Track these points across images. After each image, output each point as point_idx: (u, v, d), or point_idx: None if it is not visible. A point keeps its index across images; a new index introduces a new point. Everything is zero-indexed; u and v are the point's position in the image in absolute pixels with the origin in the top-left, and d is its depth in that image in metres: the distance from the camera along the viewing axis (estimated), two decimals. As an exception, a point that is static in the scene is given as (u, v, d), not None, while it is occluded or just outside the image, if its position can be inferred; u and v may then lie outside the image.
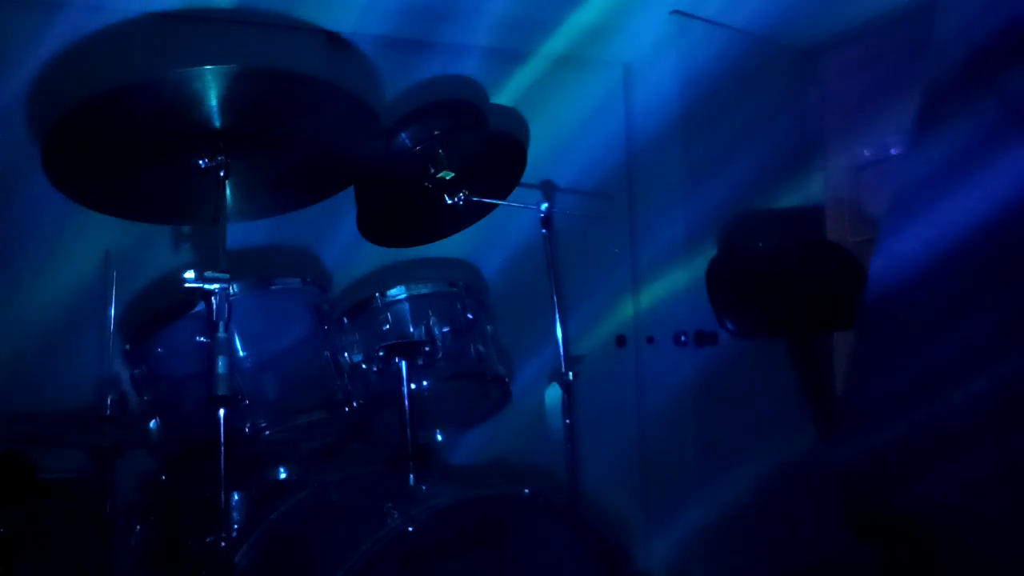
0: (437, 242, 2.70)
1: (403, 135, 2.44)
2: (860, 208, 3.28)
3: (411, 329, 2.16)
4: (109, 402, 2.12)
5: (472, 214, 2.53)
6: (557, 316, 2.44)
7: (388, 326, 2.15)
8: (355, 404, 2.04)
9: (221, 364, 1.68)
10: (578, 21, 3.04)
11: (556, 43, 3.12)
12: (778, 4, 3.06)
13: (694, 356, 2.97)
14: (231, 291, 1.74)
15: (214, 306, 1.71)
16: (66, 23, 2.49)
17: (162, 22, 2.60)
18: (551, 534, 1.85)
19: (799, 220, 3.38)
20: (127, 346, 2.07)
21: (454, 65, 3.05)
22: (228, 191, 1.96)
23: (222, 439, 1.65)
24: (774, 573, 2.98)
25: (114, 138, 1.82)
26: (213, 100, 1.76)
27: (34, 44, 2.46)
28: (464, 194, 2.41)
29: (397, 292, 2.19)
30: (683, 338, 2.98)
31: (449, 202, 2.42)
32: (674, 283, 3.02)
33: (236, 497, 2.09)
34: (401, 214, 2.55)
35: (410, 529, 1.66)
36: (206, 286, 1.70)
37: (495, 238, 2.82)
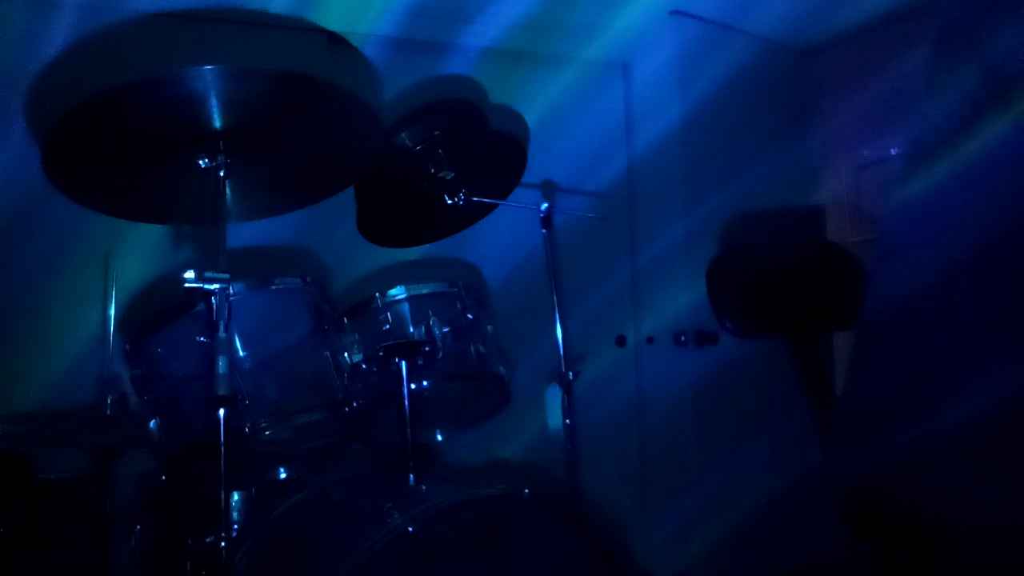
0: (437, 242, 2.70)
1: (403, 135, 2.45)
2: (860, 208, 3.28)
3: (411, 329, 2.16)
4: (109, 402, 2.12)
5: (472, 214, 2.53)
6: (557, 316, 2.44)
7: (388, 326, 2.15)
8: (355, 404, 2.04)
9: (221, 364, 1.68)
10: (578, 21, 3.04)
11: (556, 43, 3.12)
12: (778, 4, 3.06)
13: (694, 356, 2.97)
14: (231, 291, 1.74)
15: (214, 306, 1.71)
16: (66, 23, 2.49)
17: (162, 22, 2.60)
18: (551, 534, 1.85)
19: (799, 220, 3.38)
20: (127, 346, 2.07)
21: (454, 65, 3.05)
22: (228, 191, 1.96)
23: (222, 439, 1.65)
24: (774, 573, 2.98)
25: (114, 138, 1.82)
26: (213, 100, 1.76)
27: (34, 44, 2.46)
28: (464, 194, 2.41)
29: (397, 292, 2.19)
30: (683, 338, 2.98)
31: (449, 202, 2.42)
32: (674, 283, 3.02)
33: (236, 497, 2.09)
34: (401, 214, 2.55)
35: (410, 529, 1.66)
36: (206, 286, 1.70)
37: (495, 238, 2.82)
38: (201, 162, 1.87)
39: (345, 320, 2.19)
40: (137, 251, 2.44)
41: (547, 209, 2.46)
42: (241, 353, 1.93)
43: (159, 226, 2.50)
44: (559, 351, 2.42)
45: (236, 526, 2.04)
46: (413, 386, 2.03)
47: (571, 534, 1.87)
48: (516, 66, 3.12)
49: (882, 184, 3.17)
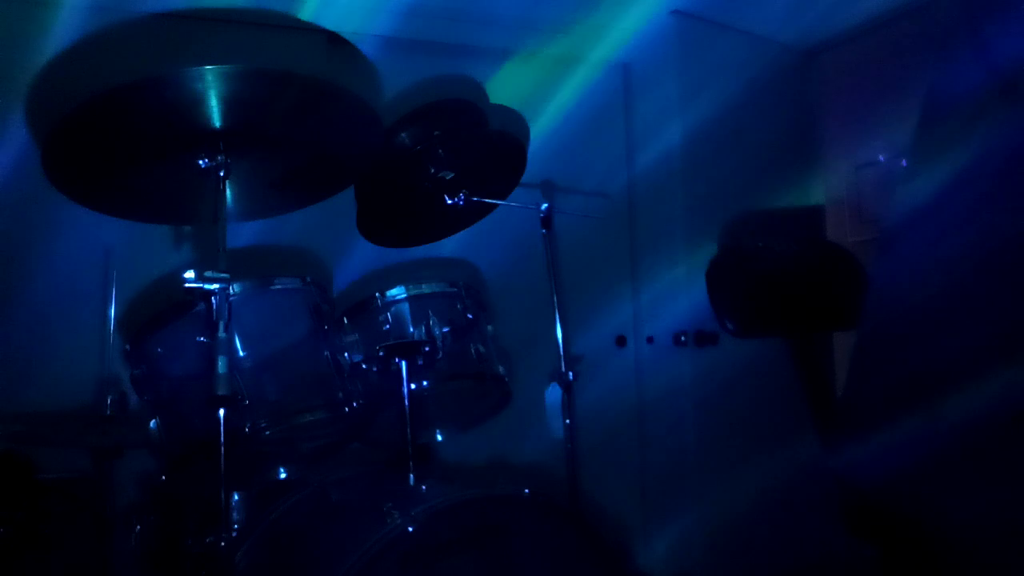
0: (437, 242, 2.70)
1: (403, 135, 2.45)
2: (860, 208, 3.28)
3: (411, 329, 2.16)
4: (109, 402, 2.12)
5: (472, 214, 2.53)
6: (557, 316, 2.44)
7: (388, 326, 2.15)
8: (355, 404, 2.04)
9: (221, 364, 1.68)
10: (578, 21, 3.04)
11: (556, 43, 3.12)
12: (778, 4, 3.06)
13: (694, 356, 2.97)
14: (231, 291, 1.75)
15: (214, 306, 1.71)
16: (66, 23, 2.49)
17: (162, 22, 2.60)
18: (551, 534, 1.85)
19: (799, 220, 3.38)
20: (127, 346, 2.07)
21: (454, 65, 3.05)
22: (228, 191, 1.96)
23: (222, 439, 1.65)
24: (774, 573, 2.98)
25: (114, 138, 1.82)
26: (213, 100, 1.76)
27: (34, 44, 2.46)
28: (464, 194, 2.41)
29: (397, 292, 2.19)
30: (683, 338, 2.98)
31: (449, 202, 2.42)
32: (674, 283, 3.02)
33: (236, 497, 2.09)
34: (401, 214, 2.55)
35: (410, 529, 1.66)
36: (206, 286, 1.71)
37: (495, 238, 2.82)
38: (201, 162, 1.87)
39: (345, 320, 2.19)
40: (137, 251, 2.44)
41: (547, 209, 2.46)
42: (241, 353, 1.93)
43: (159, 226, 2.50)
44: (559, 351, 2.42)
45: (236, 526, 2.04)
46: (413, 386, 2.03)
47: (571, 534, 1.87)
48: (516, 66, 3.11)
49: (882, 184, 3.17)
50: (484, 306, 2.35)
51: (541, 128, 3.11)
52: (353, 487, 2.12)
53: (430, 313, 2.17)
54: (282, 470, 2.21)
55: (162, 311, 1.99)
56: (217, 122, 1.82)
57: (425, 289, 2.22)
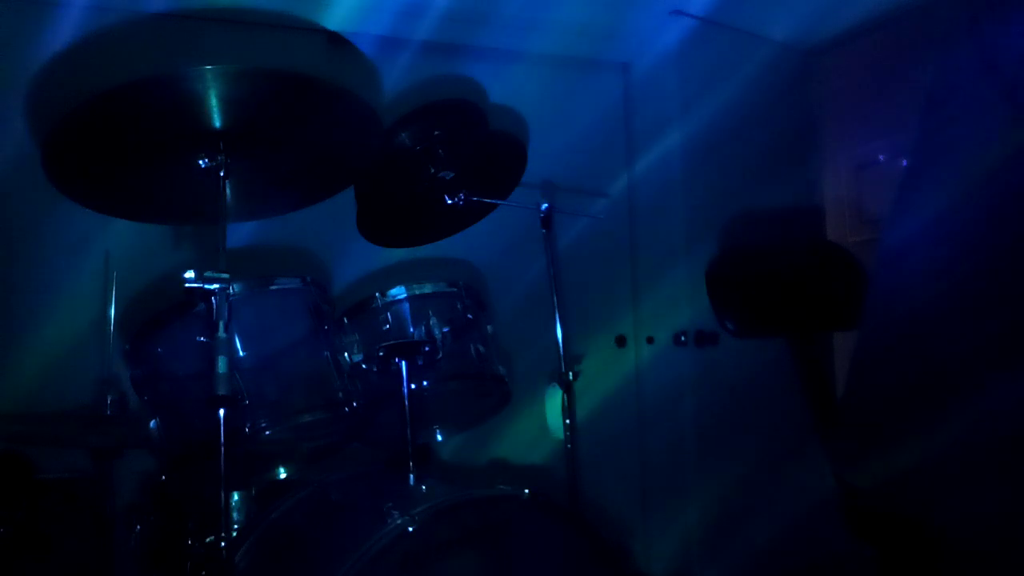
0: (437, 242, 2.70)
1: (403, 135, 2.45)
2: (860, 208, 3.28)
3: (411, 329, 2.17)
4: (109, 402, 2.12)
5: (472, 214, 2.53)
6: (557, 316, 2.44)
7: (388, 326, 2.15)
8: (355, 404, 2.04)
9: (221, 364, 1.68)
10: (578, 21, 3.04)
11: (556, 43, 3.11)
12: (778, 4, 3.06)
13: (694, 356, 2.97)
14: (231, 291, 1.74)
15: (214, 306, 1.71)
16: (66, 23, 2.49)
17: (162, 22, 2.60)
18: (551, 534, 1.85)
19: (799, 220, 3.38)
20: (127, 346, 2.07)
21: (454, 65, 3.05)
22: (228, 191, 1.95)
23: (222, 439, 1.65)
24: (774, 573, 2.98)
25: (114, 138, 1.82)
26: (213, 100, 1.76)
27: (34, 44, 2.46)
28: (464, 194, 2.41)
29: (397, 292, 2.19)
30: (683, 338, 2.98)
31: (449, 202, 2.42)
32: (674, 283, 3.02)
33: (236, 497, 2.09)
34: (401, 214, 2.55)
35: (410, 529, 1.66)
36: (206, 286, 1.71)
37: (495, 238, 2.82)
38: (201, 162, 1.87)
39: (345, 320, 2.19)
40: (137, 251, 2.44)
41: (547, 209, 2.46)
42: (241, 353, 1.93)
43: (159, 226, 2.50)
44: (559, 351, 2.42)
45: (236, 526, 2.04)
46: (413, 386, 2.03)
47: (571, 534, 1.87)
48: (516, 66, 3.11)
49: (882, 184, 3.17)
50: (484, 306, 2.35)
51: (541, 128, 3.11)
52: (353, 487, 2.12)
53: (430, 313, 2.17)
54: (282, 470, 2.22)
55: (162, 311, 2.00)
56: (217, 122, 1.82)
57: (425, 289, 2.22)
